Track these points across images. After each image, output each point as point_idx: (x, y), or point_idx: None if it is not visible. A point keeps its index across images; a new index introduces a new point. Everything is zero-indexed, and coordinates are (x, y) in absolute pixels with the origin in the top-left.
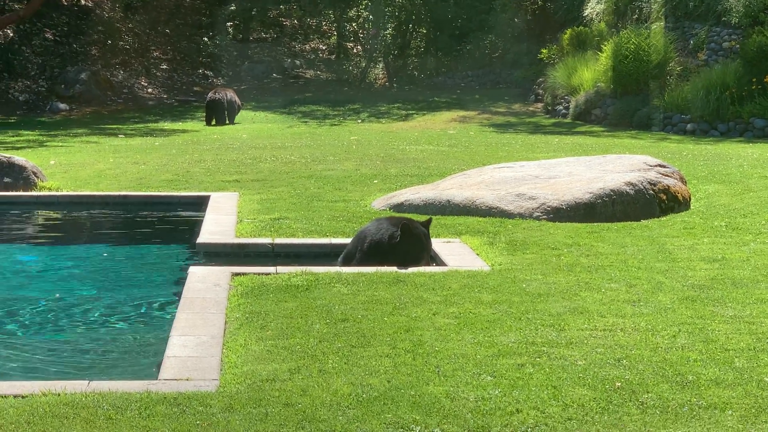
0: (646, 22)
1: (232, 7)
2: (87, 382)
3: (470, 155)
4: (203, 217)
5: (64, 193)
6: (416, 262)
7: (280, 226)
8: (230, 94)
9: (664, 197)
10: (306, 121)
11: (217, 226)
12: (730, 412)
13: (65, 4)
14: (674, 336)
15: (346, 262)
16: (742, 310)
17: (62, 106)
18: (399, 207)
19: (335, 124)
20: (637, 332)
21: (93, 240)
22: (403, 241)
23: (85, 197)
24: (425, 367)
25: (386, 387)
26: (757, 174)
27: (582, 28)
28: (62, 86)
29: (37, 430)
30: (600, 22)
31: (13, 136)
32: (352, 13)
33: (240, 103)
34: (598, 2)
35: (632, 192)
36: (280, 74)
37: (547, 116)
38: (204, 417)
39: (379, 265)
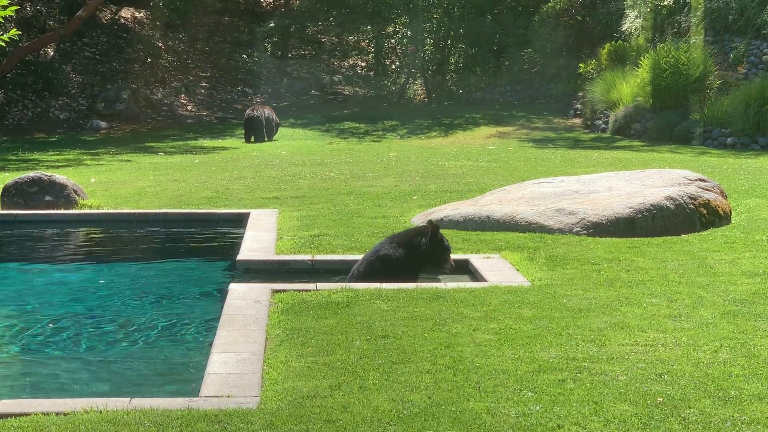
0: (685, 37)
1: (271, 24)
2: (129, 399)
3: (509, 171)
4: (243, 234)
5: (105, 211)
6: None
7: (320, 243)
8: (268, 111)
9: (705, 211)
10: (345, 138)
11: (257, 243)
12: None
13: (105, 23)
14: (716, 351)
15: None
16: None
17: (102, 124)
18: (439, 223)
19: (374, 141)
20: (679, 347)
21: (133, 258)
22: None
23: (125, 215)
24: (466, 383)
25: (427, 403)
26: None
27: (621, 42)
28: (102, 104)
29: None
30: (638, 36)
31: (54, 155)
32: (390, 29)
33: (278, 120)
34: (636, 17)
35: (672, 206)
36: (319, 91)
37: (586, 131)
38: None
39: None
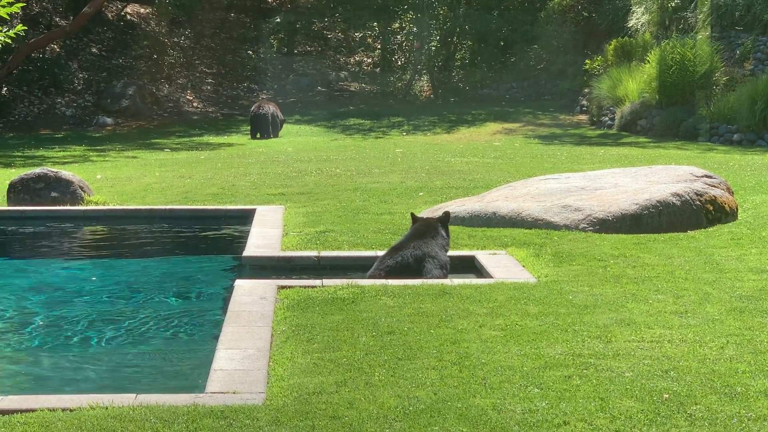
0: (692, 33)
1: (277, 21)
2: (134, 395)
3: (516, 167)
4: (249, 230)
5: (111, 207)
6: None
7: (326, 239)
8: (273, 108)
9: (711, 208)
10: (351, 134)
11: (263, 239)
12: None
13: (111, 19)
14: (722, 347)
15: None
16: None
17: (108, 120)
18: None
19: (380, 137)
20: (685, 343)
21: (139, 254)
22: None
23: (131, 211)
24: (472, 379)
25: (433, 399)
26: None
27: (627, 38)
28: (108, 101)
29: None
30: (645, 32)
31: (60, 151)
32: (396, 25)
33: (282, 117)
34: (643, 13)
35: (679, 203)
36: (325, 87)
37: (593, 127)
38: (251, 430)
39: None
